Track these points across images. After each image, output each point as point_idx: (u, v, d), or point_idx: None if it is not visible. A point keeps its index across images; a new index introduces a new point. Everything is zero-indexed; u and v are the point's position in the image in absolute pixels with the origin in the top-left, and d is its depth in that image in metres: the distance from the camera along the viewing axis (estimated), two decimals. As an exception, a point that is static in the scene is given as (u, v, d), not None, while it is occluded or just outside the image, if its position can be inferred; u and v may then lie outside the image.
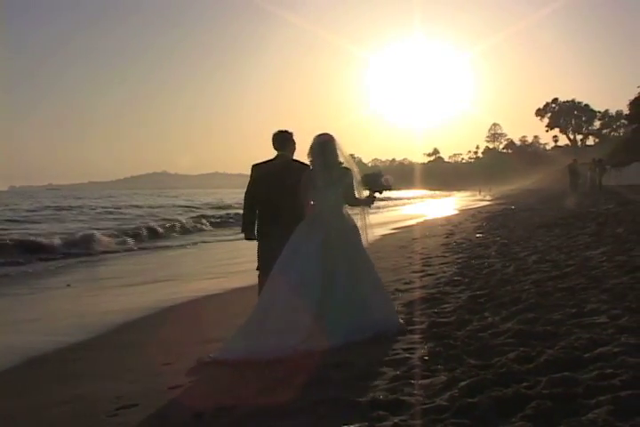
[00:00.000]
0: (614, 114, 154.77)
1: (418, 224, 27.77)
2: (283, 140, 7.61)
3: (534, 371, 4.57)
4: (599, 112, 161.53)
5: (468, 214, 31.76)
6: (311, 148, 6.80)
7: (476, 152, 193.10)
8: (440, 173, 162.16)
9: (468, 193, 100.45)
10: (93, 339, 8.47)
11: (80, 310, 10.82)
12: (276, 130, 7.69)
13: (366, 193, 6.96)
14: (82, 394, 5.81)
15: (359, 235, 6.84)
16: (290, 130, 7.69)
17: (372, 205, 7.08)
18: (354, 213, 7.03)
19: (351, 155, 7.20)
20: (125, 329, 9.01)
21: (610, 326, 5.62)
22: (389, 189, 7.01)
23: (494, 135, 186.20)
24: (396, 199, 69.20)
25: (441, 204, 57.09)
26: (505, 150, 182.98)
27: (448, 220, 28.15)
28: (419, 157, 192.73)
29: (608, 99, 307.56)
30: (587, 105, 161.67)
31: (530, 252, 11.87)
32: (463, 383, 4.46)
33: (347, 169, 6.79)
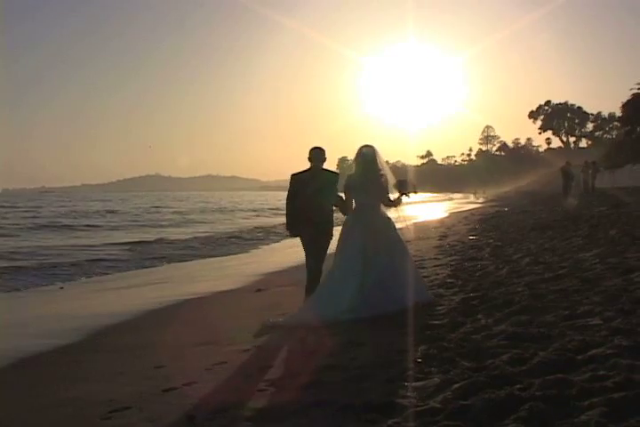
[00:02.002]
0: (607, 116, 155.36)
1: (410, 226, 27.77)
2: (315, 154, 9.06)
3: (527, 373, 4.58)
4: (592, 114, 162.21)
5: (461, 217, 31.82)
6: (356, 156, 8.60)
7: (469, 154, 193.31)
8: (433, 176, 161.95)
9: (461, 195, 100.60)
10: (84, 341, 8.46)
11: (72, 311, 10.82)
12: (312, 146, 9.13)
13: (396, 194, 8.58)
14: (75, 397, 5.79)
15: (393, 225, 8.48)
16: (323, 147, 9.13)
17: (400, 204, 8.66)
18: (389, 210, 8.66)
19: (386, 161, 8.85)
20: (117, 331, 9.00)
21: (603, 327, 5.64)
22: (415, 192, 8.73)
23: (487, 138, 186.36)
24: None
25: (438, 207, 56.99)
26: (498, 153, 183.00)
27: (441, 222, 28.19)
28: (412, 159, 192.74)
29: (601, 101, 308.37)
30: (579, 107, 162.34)
31: (523, 254, 11.90)
32: (456, 386, 4.47)
33: (382, 175, 8.46)
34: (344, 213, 8.73)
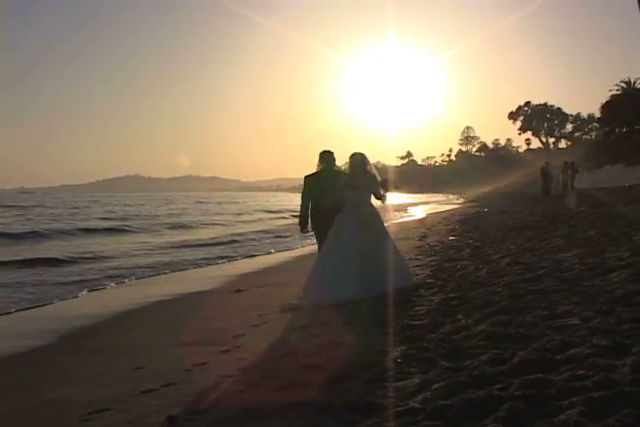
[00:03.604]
0: (586, 117, 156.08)
1: (390, 227, 27.80)
2: (324, 157, 10.54)
3: (507, 373, 4.60)
4: (571, 115, 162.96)
5: (440, 217, 31.89)
6: (350, 162, 10.02)
7: (449, 155, 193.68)
8: (413, 176, 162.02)
9: (442, 196, 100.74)
10: (61, 343, 8.42)
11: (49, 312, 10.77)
12: (321, 150, 10.63)
13: (381, 191, 10.00)
14: (53, 399, 5.77)
15: (381, 218, 9.99)
16: (331, 150, 10.65)
17: (385, 199, 10.06)
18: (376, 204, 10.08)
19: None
20: (94, 333, 8.97)
21: (582, 327, 5.67)
22: (396, 188, 10.51)
23: (467, 138, 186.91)
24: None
25: (419, 207, 57.04)
26: (478, 153, 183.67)
27: (421, 222, 28.25)
28: (392, 159, 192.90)
29: (580, 102, 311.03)
30: (559, 108, 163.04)
31: (503, 254, 11.95)
32: (436, 386, 4.49)
33: (373, 176, 9.97)
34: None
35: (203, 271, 16.49)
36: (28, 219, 46.98)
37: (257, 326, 8.29)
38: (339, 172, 10.54)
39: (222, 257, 19.57)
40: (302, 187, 10.82)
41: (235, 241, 26.01)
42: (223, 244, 24.94)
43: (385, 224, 10.21)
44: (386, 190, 10.06)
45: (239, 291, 11.75)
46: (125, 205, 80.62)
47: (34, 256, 19.72)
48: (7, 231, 30.57)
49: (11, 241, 27.01)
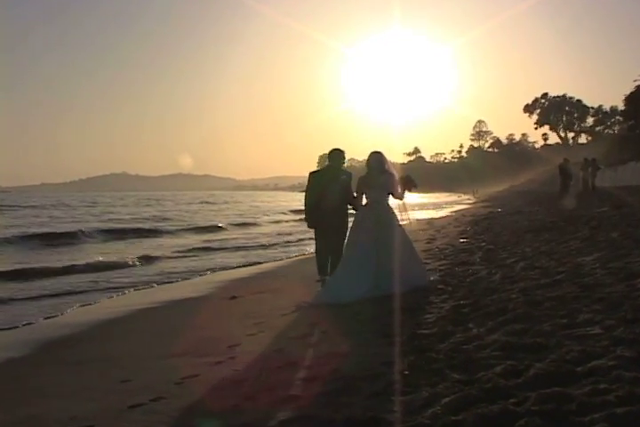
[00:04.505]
0: (608, 110, 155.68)
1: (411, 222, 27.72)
2: (333, 155, 11.39)
3: (523, 386, 4.59)
4: (592, 108, 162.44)
5: (451, 218, 31.88)
6: (368, 160, 10.78)
7: (459, 151, 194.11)
8: (421, 175, 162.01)
9: (453, 196, 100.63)
10: (41, 354, 8.42)
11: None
12: (331, 148, 11.47)
13: (400, 190, 10.74)
14: (33, 414, 5.75)
15: (397, 218, 10.62)
16: (341, 148, 11.42)
17: (403, 198, 10.92)
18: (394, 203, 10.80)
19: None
20: (77, 342, 8.96)
21: (604, 337, 5.65)
22: (415, 187, 10.86)
23: (479, 133, 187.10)
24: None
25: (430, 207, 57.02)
26: (491, 149, 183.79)
27: (430, 223, 28.23)
28: (398, 156, 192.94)
29: (602, 94, 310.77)
30: (579, 100, 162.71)
31: (517, 258, 11.93)
32: (446, 400, 4.48)
33: (391, 175, 10.63)
34: (356, 210, 11.06)
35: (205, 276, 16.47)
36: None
37: (253, 335, 8.28)
38: (342, 170, 11.46)
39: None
40: (305, 185, 11.63)
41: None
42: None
43: (401, 223, 10.77)
44: (405, 190, 10.80)
45: (234, 298, 11.75)
46: (122, 206, 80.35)
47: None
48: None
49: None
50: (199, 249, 24.09)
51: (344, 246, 10.74)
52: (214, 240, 28.48)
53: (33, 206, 70.64)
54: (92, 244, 28.18)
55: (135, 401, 5.75)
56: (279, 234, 31.84)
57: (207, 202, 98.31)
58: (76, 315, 11.26)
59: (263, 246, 25.32)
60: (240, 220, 46.35)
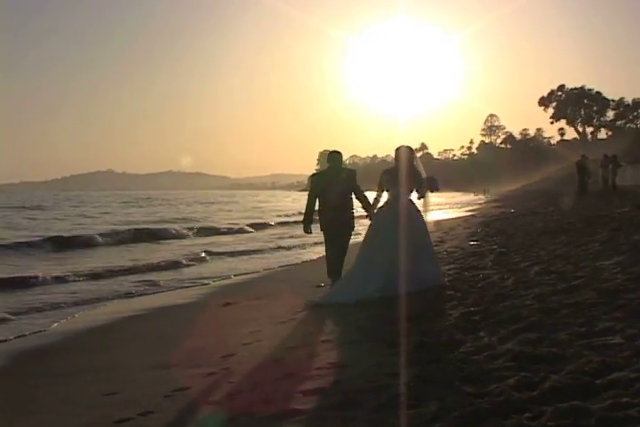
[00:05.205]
0: (631, 103, 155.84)
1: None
2: (331, 157, 12.06)
3: (538, 399, 4.58)
4: (613, 101, 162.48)
5: (460, 219, 31.88)
6: (395, 155, 11.21)
7: (469, 147, 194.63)
8: (428, 172, 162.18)
9: (463, 195, 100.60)
10: (17, 365, 8.41)
11: None
12: (330, 150, 12.19)
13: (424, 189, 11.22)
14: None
15: (421, 215, 11.04)
16: (338, 150, 12.15)
17: (425, 197, 11.29)
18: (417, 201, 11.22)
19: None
20: (60, 352, 8.95)
21: (625, 347, 5.64)
22: (437, 190, 11.36)
23: (491, 128, 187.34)
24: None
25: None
26: (503, 145, 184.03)
27: (437, 225, 28.24)
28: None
29: (624, 85, 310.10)
30: (598, 92, 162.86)
31: (532, 262, 11.93)
32: (455, 414, 4.47)
33: (418, 172, 11.08)
34: (366, 209, 11.71)
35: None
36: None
37: (248, 344, 8.29)
38: (342, 169, 12.23)
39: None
40: (306, 185, 11.82)
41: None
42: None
43: (425, 221, 11.24)
44: (431, 190, 11.33)
45: (228, 304, 11.76)
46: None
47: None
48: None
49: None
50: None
51: (361, 244, 11.05)
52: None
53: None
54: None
55: (122, 416, 5.75)
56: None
57: (221, 201, 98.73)
58: (58, 325, 11.25)
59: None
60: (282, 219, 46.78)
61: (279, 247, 26.24)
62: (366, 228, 11.27)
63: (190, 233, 35.04)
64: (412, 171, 11.05)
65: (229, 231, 37.03)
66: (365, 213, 11.82)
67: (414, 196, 11.22)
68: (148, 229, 35.65)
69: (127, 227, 36.64)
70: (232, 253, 23.73)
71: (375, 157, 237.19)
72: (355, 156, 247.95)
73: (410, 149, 11.32)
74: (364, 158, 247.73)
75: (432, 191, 11.41)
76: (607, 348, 5.73)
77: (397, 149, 11.21)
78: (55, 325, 10.94)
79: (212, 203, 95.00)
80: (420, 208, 11.25)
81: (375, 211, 11.34)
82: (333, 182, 11.72)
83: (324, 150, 11.97)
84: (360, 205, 11.86)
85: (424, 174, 11.23)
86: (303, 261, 19.93)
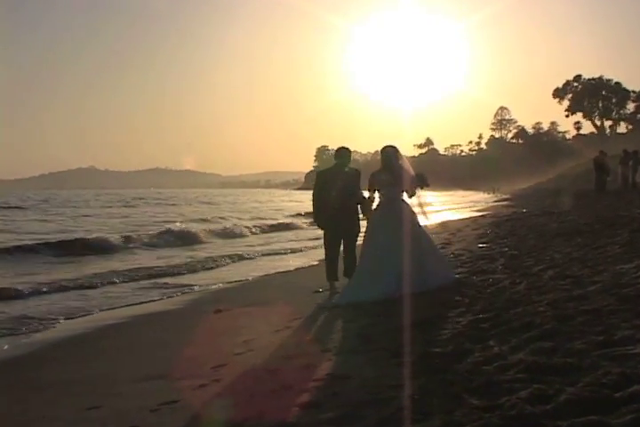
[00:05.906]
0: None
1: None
2: (340, 153, 12.72)
3: (552, 413, 4.58)
4: (633, 92, 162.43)
5: (468, 219, 31.88)
6: (381, 156, 11.97)
7: (478, 143, 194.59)
8: (434, 170, 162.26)
9: (472, 194, 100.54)
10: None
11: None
12: (328, 146, 14.23)
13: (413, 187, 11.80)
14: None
15: (416, 215, 11.68)
16: (347, 146, 12.88)
17: (415, 195, 11.82)
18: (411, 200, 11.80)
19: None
20: (35, 363, 8.95)
21: (646, 357, 5.65)
22: (427, 185, 11.92)
23: (501, 122, 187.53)
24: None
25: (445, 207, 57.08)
26: (514, 140, 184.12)
27: (444, 226, 28.24)
28: (408, 148, 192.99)
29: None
30: (618, 83, 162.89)
31: (545, 266, 11.93)
32: (464, 429, 4.48)
33: (405, 171, 11.59)
34: (364, 213, 12.23)
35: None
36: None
37: (241, 354, 8.29)
38: (355, 169, 12.91)
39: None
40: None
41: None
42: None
43: (420, 221, 11.89)
44: (420, 187, 11.81)
45: (219, 311, 11.75)
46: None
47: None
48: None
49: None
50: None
51: (362, 245, 11.69)
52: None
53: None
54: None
55: (106, 431, 5.75)
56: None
57: (225, 201, 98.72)
58: (37, 335, 11.23)
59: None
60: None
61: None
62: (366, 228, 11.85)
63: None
64: (398, 170, 11.66)
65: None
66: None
67: (405, 195, 11.77)
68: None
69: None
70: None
71: (377, 153, 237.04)
72: (355, 151, 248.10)
73: (395, 148, 11.94)
74: (365, 155, 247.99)
75: (422, 188, 11.92)
76: (627, 358, 5.73)
77: (382, 150, 11.97)
78: (35, 334, 10.93)
79: (213, 203, 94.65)
80: (416, 209, 11.88)
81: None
82: (333, 179, 12.38)
83: (323, 146, 12.24)
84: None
85: (412, 172, 11.79)
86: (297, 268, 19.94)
